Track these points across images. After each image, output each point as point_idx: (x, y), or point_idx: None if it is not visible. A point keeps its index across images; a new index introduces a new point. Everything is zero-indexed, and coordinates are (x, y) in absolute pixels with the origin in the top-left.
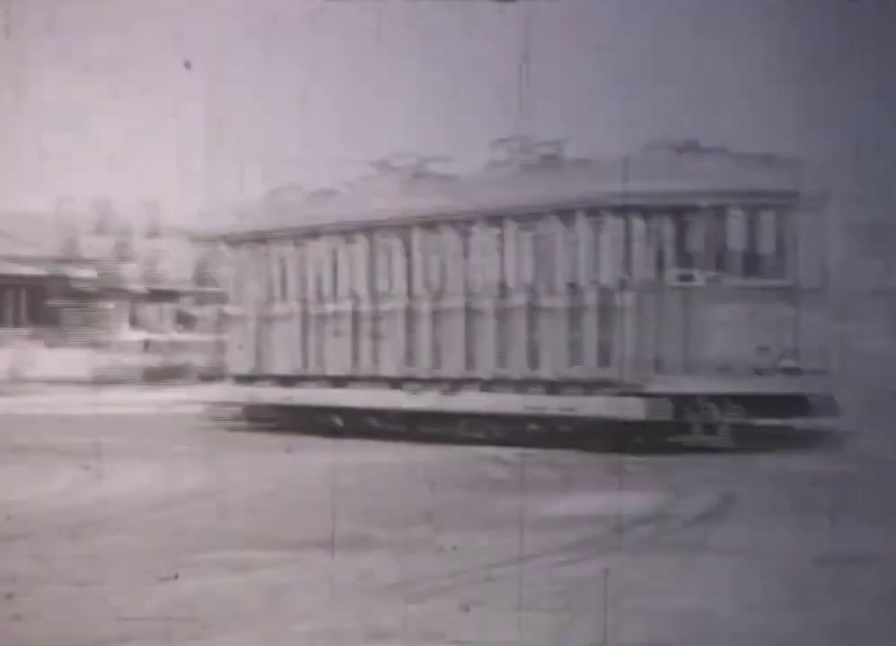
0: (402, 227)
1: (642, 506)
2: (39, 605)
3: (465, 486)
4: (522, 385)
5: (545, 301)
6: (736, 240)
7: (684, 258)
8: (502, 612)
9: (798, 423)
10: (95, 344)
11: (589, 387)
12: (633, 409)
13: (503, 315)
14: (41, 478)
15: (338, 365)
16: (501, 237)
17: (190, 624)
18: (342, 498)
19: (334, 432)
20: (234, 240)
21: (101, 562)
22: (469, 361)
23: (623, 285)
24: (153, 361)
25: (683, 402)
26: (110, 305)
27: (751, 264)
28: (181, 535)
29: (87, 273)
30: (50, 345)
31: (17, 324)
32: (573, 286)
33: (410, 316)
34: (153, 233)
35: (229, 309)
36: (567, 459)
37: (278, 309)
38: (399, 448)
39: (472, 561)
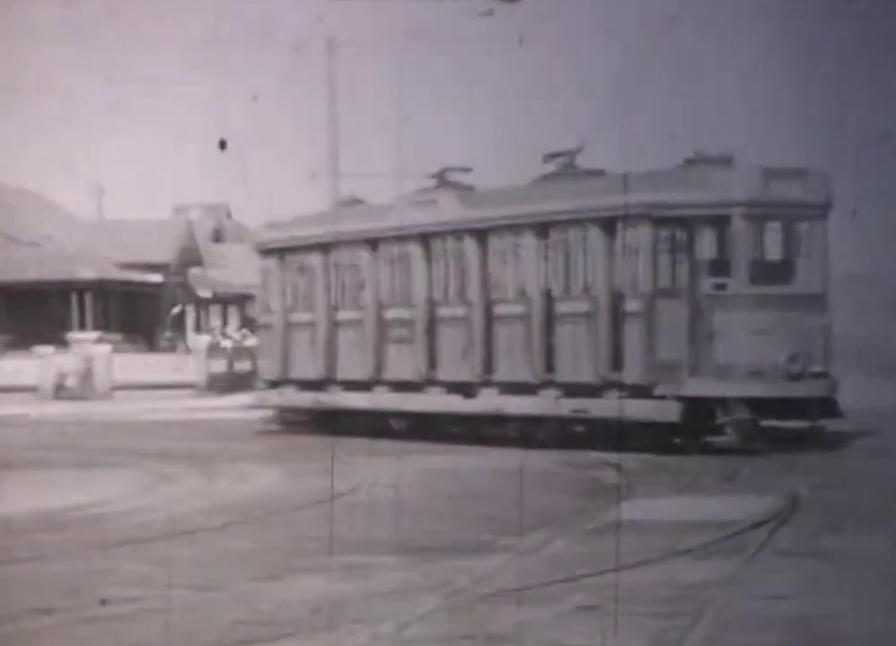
0: (457, 237)
1: (758, 510)
2: (165, 608)
3: (576, 491)
4: (567, 388)
5: (583, 308)
6: (770, 250)
7: (719, 267)
8: (619, 617)
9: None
10: (186, 349)
11: (629, 390)
12: (669, 412)
13: (549, 322)
14: (160, 483)
15: (399, 371)
16: (547, 246)
17: (306, 627)
18: (457, 503)
19: (398, 435)
20: (298, 249)
21: (220, 566)
22: (519, 365)
23: (660, 293)
24: (224, 366)
25: (717, 405)
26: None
27: (783, 272)
28: (299, 539)
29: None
30: (139, 351)
31: (105, 329)
32: (613, 294)
33: (466, 322)
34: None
35: (294, 316)
36: (676, 463)
37: (342, 315)
38: (500, 453)
39: (587, 566)
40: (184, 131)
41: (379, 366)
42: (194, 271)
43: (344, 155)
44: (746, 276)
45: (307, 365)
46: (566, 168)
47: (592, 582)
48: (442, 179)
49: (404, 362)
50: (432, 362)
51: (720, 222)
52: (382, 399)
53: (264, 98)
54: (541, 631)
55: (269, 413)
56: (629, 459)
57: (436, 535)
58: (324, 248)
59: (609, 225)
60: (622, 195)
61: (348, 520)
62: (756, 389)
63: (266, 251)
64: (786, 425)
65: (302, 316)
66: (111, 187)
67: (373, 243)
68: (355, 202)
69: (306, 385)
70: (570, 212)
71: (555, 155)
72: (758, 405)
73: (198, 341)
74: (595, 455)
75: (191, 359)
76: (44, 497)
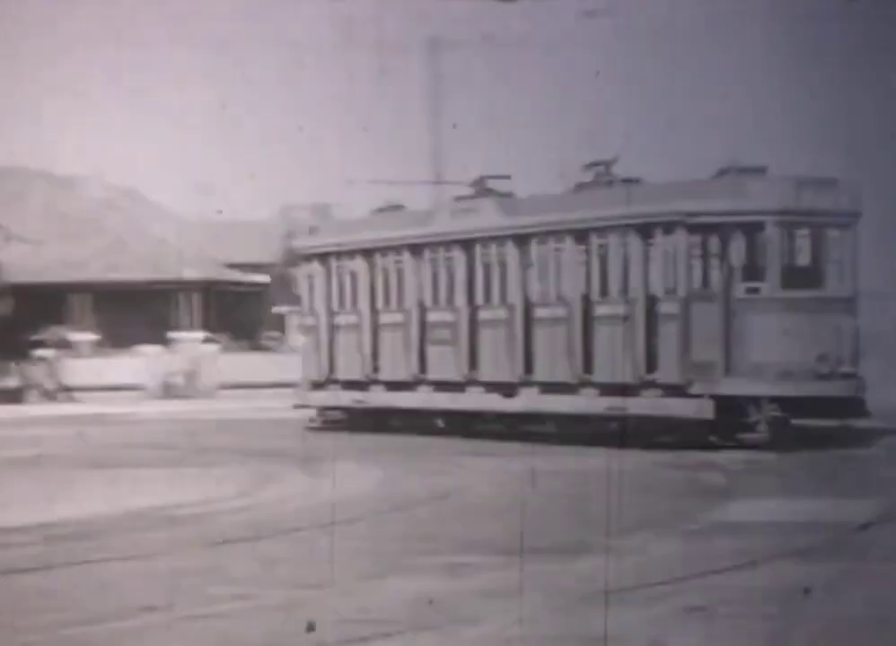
0: (498, 243)
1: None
2: (270, 606)
3: (675, 491)
4: (604, 388)
5: (620, 311)
6: (801, 255)
7: (752, 272)
8: (722, 618)
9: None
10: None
11: (665, 390)
12: (705, 410)
13: (588, 324)
14: (267, 481)
15: (443, 371)
16: (587, 251)
17: (411, 626)
18: (552, 504)
19: (438, 432)
20: (340, 254)
21: (327, 564)
22: (555, 365)
23: (695, 297)
24: None
25: (750, 403)
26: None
27: (813, 277)
28: (403, 539)
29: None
30: (243, 350)
31: (209, 328)
32: (651, 298)
33: (507, 325)
34: None
35: (340, 318)
36: (777, 464)
37: (385, 318)
38: (588, 453)
39: (690, 567)
40: (288, 132)
41: (422, 367)
42: None
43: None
44: (778, 281)
45: (352, 366)
46: (601, 176)
47: (699, 584)
48: (481, 187)
49: (447, 362)
50: (473, 363)
51: (753, 229)
52: (431, 399)
53: (360, 100)
54: (645, 631)
55: (312, 412)
56: (728, 459)
57: (543, 534)
58: (366, 253)
59: (645, 231)
60: (660, 203)
61: (454, 519)
62: (787, 389)
63: (308, 256)
64: (817, 423)
65: (346, 318)
66: (218, 188)
67: (415, 249)
68: (396, 208)
69: (349, 385)
70: (608, 219)
71: (594, 165)
72: (789, 404)
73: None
74: (693, 455)
75: (294, 358)
76: (154, 495)
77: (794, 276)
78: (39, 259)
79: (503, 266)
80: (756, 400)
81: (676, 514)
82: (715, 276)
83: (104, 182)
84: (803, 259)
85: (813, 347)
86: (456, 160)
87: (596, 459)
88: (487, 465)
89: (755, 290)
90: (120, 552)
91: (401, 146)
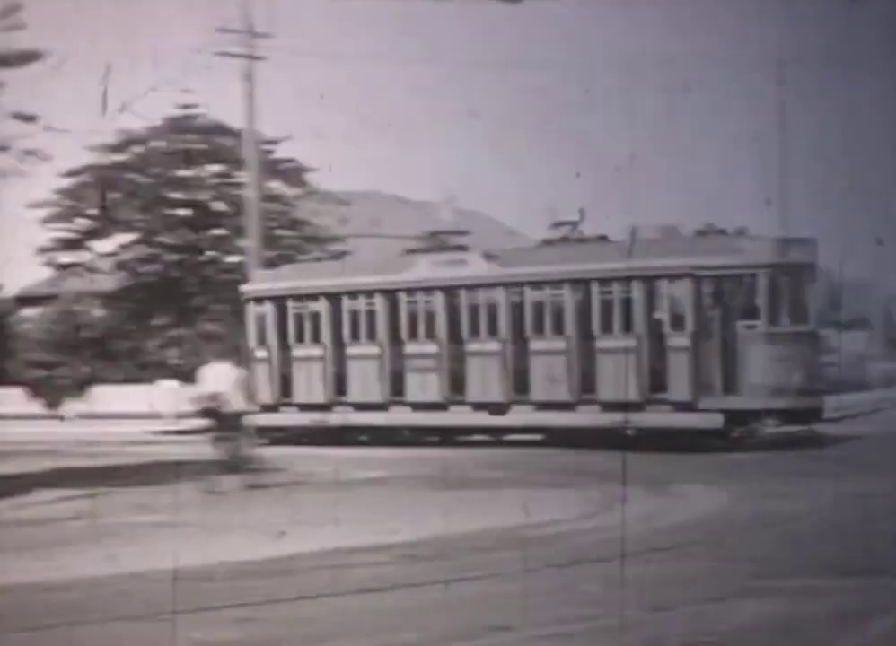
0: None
1: None
2: (618, 627)
3: None
4: (606, 405)
5: (623, 343)
6: (785, 298)
7: (750, 312)
8: None
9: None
10: None
11: (673, 406)
12: (714, 421)
13: (585, 354)
14: (613, 502)
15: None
16: (584, 297)
17: None
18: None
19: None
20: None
21: (672, 586)
22: (555, 388)
23: (701, 332)
24: None
25: (747, 415)
26: None
27: (798, 315)
28: (753, 561)
29: None
30: None
31: None
32: (652, 332)
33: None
34: None
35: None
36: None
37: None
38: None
39: None
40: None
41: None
42: None
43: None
44: (768, 319)
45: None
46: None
47: None
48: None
49: (488, 382)
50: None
51: (744, 278)
52: (465, 418)
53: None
54: None
55: None
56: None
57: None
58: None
59: (648, 281)
60: (667, 258)
61: (795, 542)
62: (779, 403)
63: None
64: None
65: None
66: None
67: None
68: None
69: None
70: (612, 270)
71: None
72: (777, 415)
73: None
74: None
75: None
76: (501, 515)
77: (779, 315)
78: None
79: (492, 307)
80: (755, 413)
81: None
82: (716, 315)
83: (454, 206)
84: (784, 301)
85: (794, 370)
86: None
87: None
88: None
89: (752, 326)
90: (472, 571)
91: None
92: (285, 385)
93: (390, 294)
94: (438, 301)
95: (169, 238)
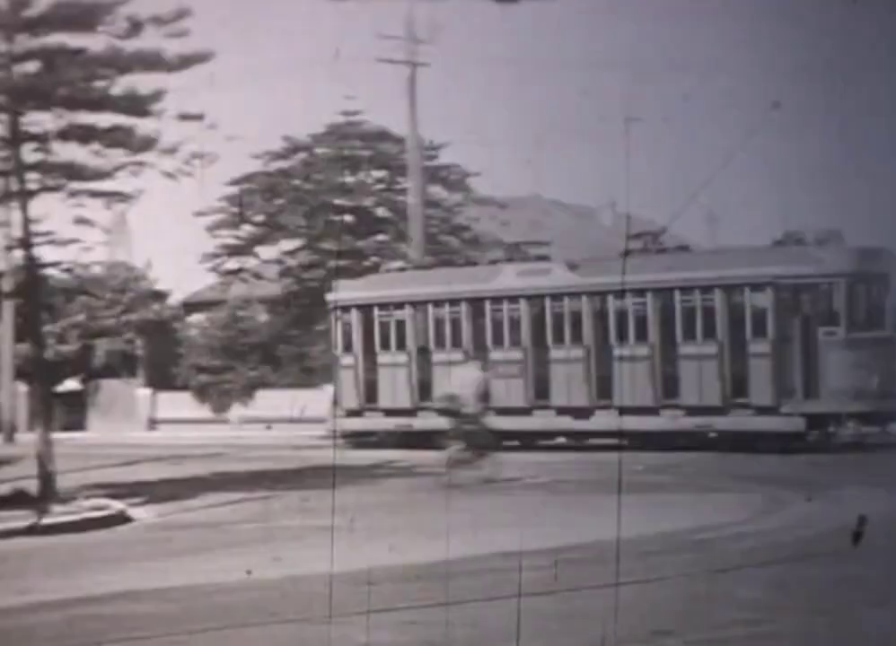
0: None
1: None
2: (777, 633)
3: None
4: (688, 410)
5: (707, 350)
6: (862, 305)
7: (829, 319)
8: None
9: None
10: None
11: (755, 410)
12: (796, 424)
13: (698, 358)
14: (774, 507)
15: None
16: (666, 305)
17: None
18: None
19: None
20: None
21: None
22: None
23: (782, 338)
24: None
25: (827, 418)
26: None
27: (875, 321)
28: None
29: None
30: None
31: None
32: (733, 339)
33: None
34: None
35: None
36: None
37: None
38: None
39: None
40: None
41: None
42: None
43: None
44: (846, 326)
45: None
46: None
47: None
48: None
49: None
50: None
51: (823, 287)
52: (552, 423)
53: None
54: None
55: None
56: None
57: None
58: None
59: (730, 289)
60: (750, 267)
61: None
62: (859, 406)
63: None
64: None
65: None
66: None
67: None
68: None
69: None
70: (696, 280)
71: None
72: (856, 417)
73: None
74: None
75: None
76: (661, 520)
77: (859, 321)
78: None
79: (575, 314)
80: (837, 416)
81: None
82: (796, 322)
83: (615, 211)
84: (863, 308)
85: (872, 374)
86: None
87: None
88: None
89: (832, 333)
90: (633, 575)
91: None
92: (370, 390)
93: (477, 302)
94: (523, 309)
95: (332, 244)
